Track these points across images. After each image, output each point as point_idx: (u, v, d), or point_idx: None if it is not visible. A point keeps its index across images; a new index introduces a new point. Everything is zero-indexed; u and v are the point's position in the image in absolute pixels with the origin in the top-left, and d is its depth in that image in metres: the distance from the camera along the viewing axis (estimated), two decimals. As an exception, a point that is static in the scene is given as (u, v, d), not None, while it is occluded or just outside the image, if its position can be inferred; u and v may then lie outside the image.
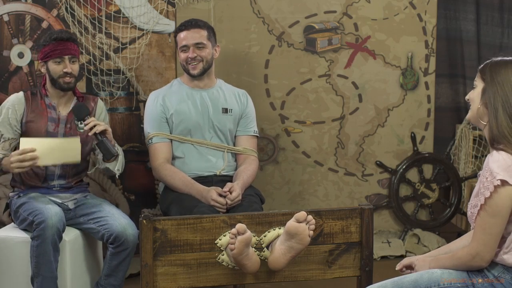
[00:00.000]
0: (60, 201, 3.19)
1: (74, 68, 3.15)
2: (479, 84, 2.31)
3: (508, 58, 2.30)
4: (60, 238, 2.96)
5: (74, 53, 3.14)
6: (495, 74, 2.26)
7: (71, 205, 3.21)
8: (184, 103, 3.33)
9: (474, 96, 2.32)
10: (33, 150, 2.92)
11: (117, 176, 3.28)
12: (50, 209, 2.95)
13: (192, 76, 3.34)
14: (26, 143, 2.94)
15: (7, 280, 3.08)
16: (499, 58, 2.31)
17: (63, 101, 3.21)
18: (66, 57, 3.11)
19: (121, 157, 3.22)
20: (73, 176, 3.24)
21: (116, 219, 3.05)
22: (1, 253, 3.08)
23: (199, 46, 3.29)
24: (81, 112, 3.09)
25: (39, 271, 2.92)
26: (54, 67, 3.12)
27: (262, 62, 3.95)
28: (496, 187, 2.15)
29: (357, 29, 4.03)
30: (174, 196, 3.20)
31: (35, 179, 3.18)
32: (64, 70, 3.11)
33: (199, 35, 3.29)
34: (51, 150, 2.98)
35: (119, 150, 3.21)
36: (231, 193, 3.10)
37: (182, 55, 3.32)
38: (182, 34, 3.31)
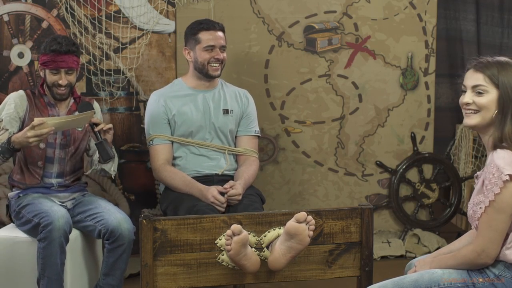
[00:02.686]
0: (59, 202, 3.18)
1: (70, 79, 3.13)
2: (490, 89, 2.25)
3: (505, 60, 2.28)
4: (67, 240, 2.96)
5: (71, 66, 3.11)
6: (508, 81, 2.22)
7: (69, 205, 3.21)
8: (186, 105, 3.33)
9: (487, 101, 2.25)
10: (41, 123, 2.88)
11: (112, 176, 3.29)
12: (56, 211, 2.95)
13: (210, 77, 3.32)
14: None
15: (9, 280, 3.08)
16: (504, 60, 2.28)
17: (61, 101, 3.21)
18: (62, 70, 3.09)
19: (116, 158, 3.24)
20: (71, 174, 3.24)
21: (111, 214, 3.06)
22: (2, 253, 3.08)
23: (222, 49, 3.31)
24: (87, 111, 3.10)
25: (44, 272, 2.92)
26: (50, 77, 3.11)
27: (262, 62, 3.95)
28: (505, 182, 2.15)
29: (357, 29, 4.03)
30: (174, 196, 3.20)
31: (33, 177, 3.17)
32: (59, 82, 3.09)
33: (224, 38, 3.32)
34: (64, 123, 2.97)
35: (114, 151, 3.22)
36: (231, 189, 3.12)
37: (207, 55, 3.28)
38: (208, 33, 3.28)
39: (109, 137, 3.10)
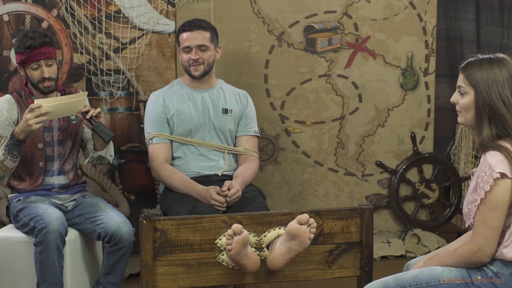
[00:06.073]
0: (60, 203, 3.18)
1: (52, 70, 3.12)
2: (468, 90, 2.27)
3: (492, 57, 2.26)
4: (63, 242, 2.95)
5: (49, 56, 3.10)
6: (483, 81, 2.22)
7: (70, 206, 3.21)
8: (184, 104, 3.33)
9: (466, 103, 2.28)
10: (40, 106, 2.90)
11: (110, 161, 3.27)
12: (51, 214, 2.94)
13: (193, 77, 3.33)
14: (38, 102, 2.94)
15: (8, 280, 3.08)
16: (484, 58, 2.26)
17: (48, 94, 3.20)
18: (42, 61, 3.08)
19: (111, 142, 3.23)
20: (71, 169, 3.24)
21: (110, 217, 3.06)
22: (1, 253, 3.08)
23: (201, 48, 3.27)
24: None
25: (44, 277, 2.91)
26: (32, 73, 3.10)
27: (262, 62, 3.95)
28: (495, 180, 2.16)
29: (357, 29, 4.03)
30: (174, 196, 3.20)
31: (34, 180, 3.16)
32: (42, 76, 3.09)
33: (203, 36, 3.28)
34: (59, 105, 2.99)
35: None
36: (229, 190, 3.11)
37: (185, 56, 3.30)
38: (185, 35, 3.29)
39: (102, 120, 3.11)
